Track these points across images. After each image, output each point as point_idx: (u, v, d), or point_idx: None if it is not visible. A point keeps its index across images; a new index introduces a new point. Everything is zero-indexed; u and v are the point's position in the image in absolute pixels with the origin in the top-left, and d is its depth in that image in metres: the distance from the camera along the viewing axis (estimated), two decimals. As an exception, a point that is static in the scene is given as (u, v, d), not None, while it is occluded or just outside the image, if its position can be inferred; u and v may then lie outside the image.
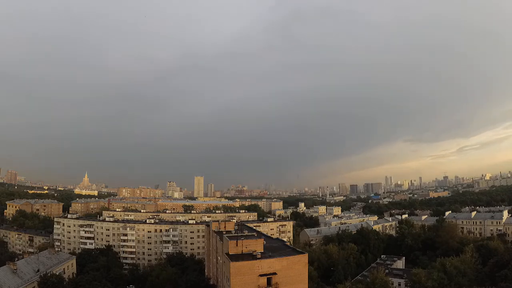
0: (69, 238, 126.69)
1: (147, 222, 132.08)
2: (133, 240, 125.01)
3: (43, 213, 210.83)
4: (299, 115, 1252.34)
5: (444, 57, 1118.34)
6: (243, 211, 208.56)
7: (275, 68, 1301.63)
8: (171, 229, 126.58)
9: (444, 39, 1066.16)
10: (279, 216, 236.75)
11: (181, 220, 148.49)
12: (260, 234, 77.32)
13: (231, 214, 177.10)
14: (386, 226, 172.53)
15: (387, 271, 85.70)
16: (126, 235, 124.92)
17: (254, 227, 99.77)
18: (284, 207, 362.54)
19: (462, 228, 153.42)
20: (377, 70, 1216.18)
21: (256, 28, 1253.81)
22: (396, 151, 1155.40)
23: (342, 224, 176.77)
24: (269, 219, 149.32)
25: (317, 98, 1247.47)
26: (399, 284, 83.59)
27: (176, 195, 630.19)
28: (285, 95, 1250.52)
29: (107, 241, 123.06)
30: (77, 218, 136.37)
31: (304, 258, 53.28)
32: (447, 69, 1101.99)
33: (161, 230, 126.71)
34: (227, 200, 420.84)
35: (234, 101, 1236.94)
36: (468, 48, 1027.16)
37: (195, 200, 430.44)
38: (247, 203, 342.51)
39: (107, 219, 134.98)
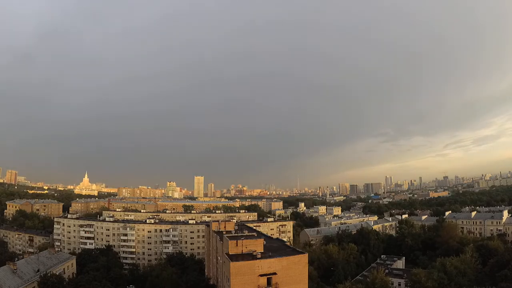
0: (69, 238, 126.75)
1: (147, 222, 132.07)
2: (133, 240, 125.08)
3: (43, 213, 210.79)
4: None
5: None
6: (243, 211, 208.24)
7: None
8: (171, 229, 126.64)
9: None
10: (279, 216, 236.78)
11: (181, 220, 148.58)
12: (260, 234, 77.47)
13: (231, 214, 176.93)
14: (386, 226, 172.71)
15: (387, 271, 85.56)
16: (126, 235, 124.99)
17: (254, 227, 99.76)
18: (284, 207, 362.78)
19: (462, 228, 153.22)
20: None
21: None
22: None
23: (342, 224, 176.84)
24: (269, 219, 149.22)
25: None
26: (399, 284, 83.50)
27: (176, 195, 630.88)
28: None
29: (107, 241, 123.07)
30: (77, 218, 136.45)
31: (304, 258, 53.29)
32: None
33: (161, 230, 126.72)
34: (227, 200, 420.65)
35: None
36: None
37: (195, 200, 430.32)
38: (247, 203, 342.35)
39: (107, 219, 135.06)
